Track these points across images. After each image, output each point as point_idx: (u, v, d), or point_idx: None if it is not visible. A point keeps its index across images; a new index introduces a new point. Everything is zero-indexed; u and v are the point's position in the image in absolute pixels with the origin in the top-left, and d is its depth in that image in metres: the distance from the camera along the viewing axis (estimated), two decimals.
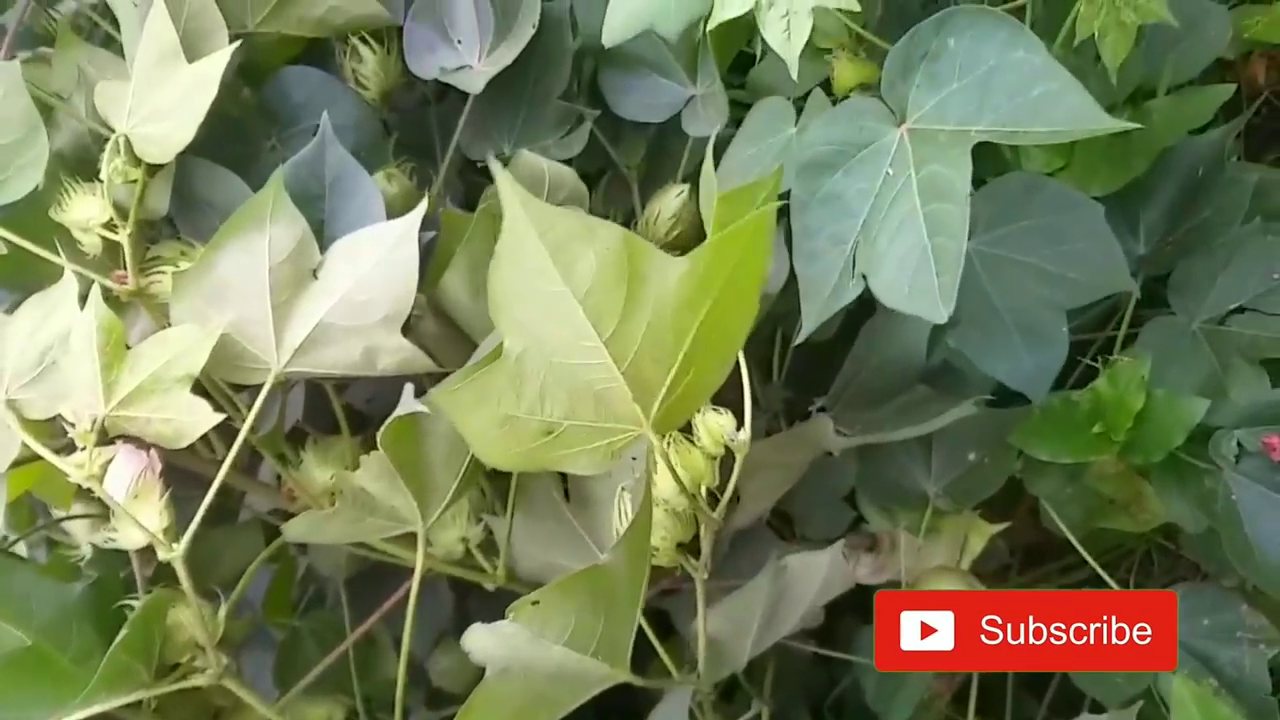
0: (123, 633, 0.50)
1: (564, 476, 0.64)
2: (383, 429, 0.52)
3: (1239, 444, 0.60)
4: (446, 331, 0.62)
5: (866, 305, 0.70)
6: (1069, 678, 0.68)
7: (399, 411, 0.52)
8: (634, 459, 0.59)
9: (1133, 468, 0.68)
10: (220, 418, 0.56)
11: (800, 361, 0.77)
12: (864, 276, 0.47)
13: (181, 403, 0.56)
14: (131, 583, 0.61)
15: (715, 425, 0.51)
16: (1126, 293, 0.67)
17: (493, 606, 0.55)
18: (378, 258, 0.57)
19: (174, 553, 0.53)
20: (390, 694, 0.61)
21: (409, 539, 0.61)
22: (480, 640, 0.47)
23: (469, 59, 0.68)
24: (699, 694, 0.60)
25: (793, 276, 0.54)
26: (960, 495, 0.65)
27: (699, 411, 0.51)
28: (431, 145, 0.76)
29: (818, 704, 0.82)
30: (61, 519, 0.66)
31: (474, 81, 0.66)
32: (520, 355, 0.43)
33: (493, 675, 0.48)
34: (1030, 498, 0.76)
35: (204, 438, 0.63)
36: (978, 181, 0.46)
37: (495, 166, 0.41)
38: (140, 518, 0.53)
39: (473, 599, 0.79)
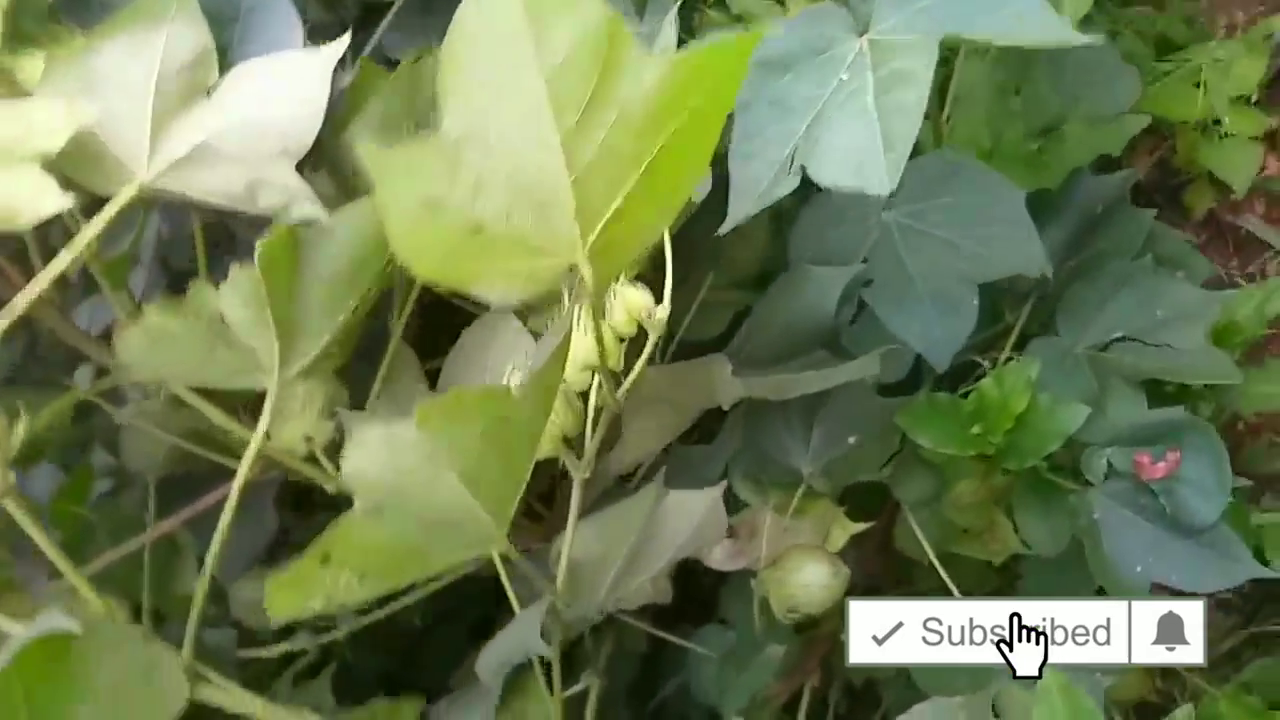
0: None
1: (433, 381, 0.59)
2: (265, 239, 0.47)
3: (1109, 463, 0.61)
4: (339, 194, 0.57)
5: None
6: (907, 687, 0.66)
7: (289, 216, 0.46)
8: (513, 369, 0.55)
9: (991, 496, 0.69)
10: (69, 201, 0.48)
11: (687, 355, 0.74)
12: (803, 168, 0.46)
13: (28, 179, 0.48)
14: None
15: (634, 299, 0.48)
16: (1013, 320, 0.69)
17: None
18: (289, 85, 0.52)
19: None
20: (185, 612, 0.53)
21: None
22: (367, 450, 0.40)
23: None
24: (546, 629, 0.53)
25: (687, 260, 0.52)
26: (835, 475, 0.63)
27: (616, 282, 0.48)
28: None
29: (641, 710, 0.77)
30: None
31: None
32: (461, 137, 0.39)
33: (362, 510, 0.41)
34: (879, 530, 0.75)
35: (24, 264, 0.55)
36: None
37: None
38: None
39: (299, 530, 0.71)
